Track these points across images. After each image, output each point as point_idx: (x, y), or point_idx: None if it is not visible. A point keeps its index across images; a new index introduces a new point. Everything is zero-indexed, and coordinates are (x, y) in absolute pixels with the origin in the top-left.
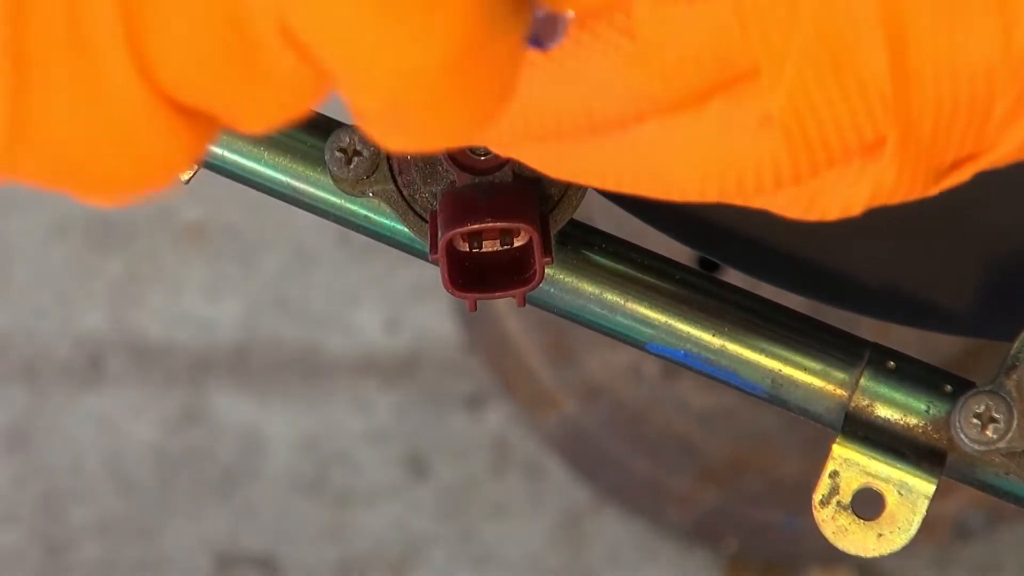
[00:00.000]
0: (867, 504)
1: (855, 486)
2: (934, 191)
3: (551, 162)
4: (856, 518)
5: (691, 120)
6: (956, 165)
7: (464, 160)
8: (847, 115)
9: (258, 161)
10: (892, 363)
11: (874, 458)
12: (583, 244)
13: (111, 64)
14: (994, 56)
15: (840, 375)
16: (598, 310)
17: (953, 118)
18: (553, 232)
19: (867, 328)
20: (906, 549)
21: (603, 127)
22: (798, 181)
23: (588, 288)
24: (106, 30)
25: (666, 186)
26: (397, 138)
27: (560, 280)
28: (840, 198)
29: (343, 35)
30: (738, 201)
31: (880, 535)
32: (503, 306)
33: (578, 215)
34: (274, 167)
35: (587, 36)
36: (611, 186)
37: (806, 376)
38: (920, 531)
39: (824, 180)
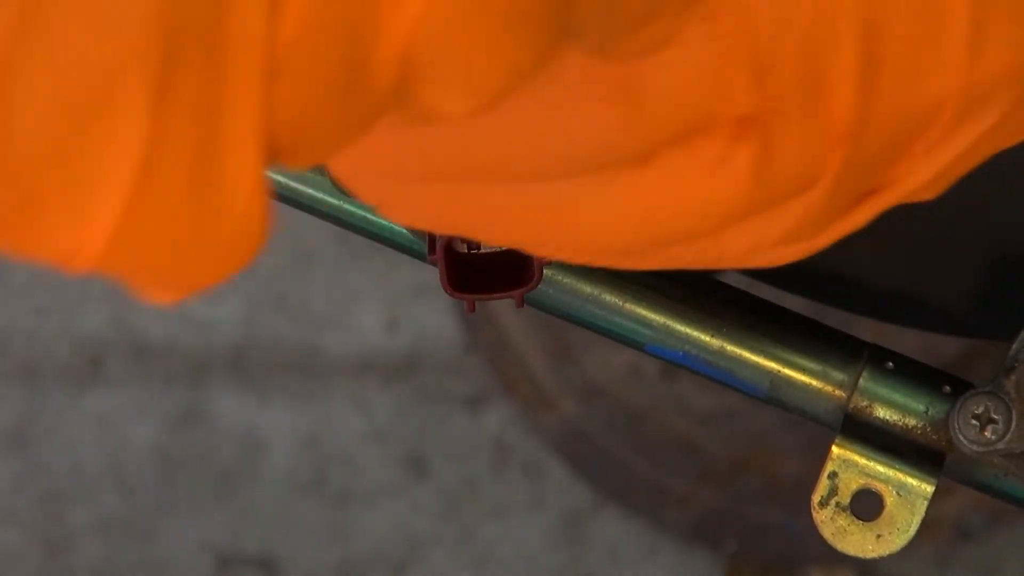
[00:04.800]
0: (866, 505)
1: (854, 487)
2: (832, 234)
3: (435, 209)
4: (855, 519)
5: (636, 174)
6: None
7: None
8: (811, 144)
9: None
10: (891, 364)
11: (873, 459)
12: None
13: (236, 144)
14: (951, 86)
15: (839, 376)
16: (596, 311)
17: (892, 148)
18: None
19: (866, 329)
20: (906, 550)
21: (549, 173)
22: (747, 218)
23: (586, 289)
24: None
25: (581, 244)
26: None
27: (558, 281)
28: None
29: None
30: (666, 252)
31: (879, 536)
32: (503, 306)
33: None
34: (272, 167)
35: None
36: (507, 242)
37: (805, 377)
38: (921, 532)
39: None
